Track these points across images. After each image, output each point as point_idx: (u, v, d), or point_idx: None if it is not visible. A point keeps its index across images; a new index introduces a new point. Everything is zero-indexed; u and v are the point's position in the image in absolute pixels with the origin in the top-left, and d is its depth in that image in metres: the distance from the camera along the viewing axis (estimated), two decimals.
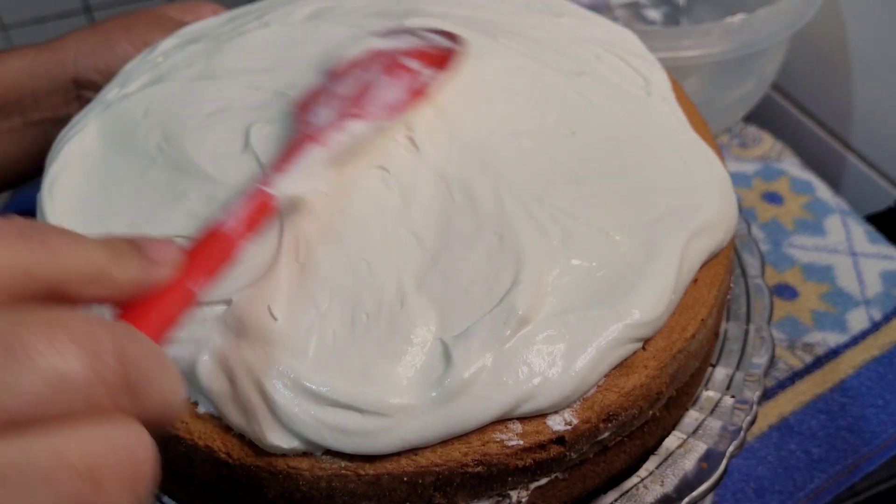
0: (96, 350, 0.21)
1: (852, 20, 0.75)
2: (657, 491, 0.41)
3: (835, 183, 0.79)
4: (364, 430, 0.33)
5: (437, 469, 0.34)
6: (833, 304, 0.64)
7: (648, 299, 0.37)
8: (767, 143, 0.79)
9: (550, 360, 0.35)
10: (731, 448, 0.42)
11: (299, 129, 0.40)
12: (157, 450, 0.25)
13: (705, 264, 0.41)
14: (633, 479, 0.41)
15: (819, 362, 0.60)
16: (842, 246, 0.68)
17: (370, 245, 0.39)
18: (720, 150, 0.47)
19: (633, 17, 0.85)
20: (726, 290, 0.44)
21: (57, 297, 0.23)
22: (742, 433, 0.42)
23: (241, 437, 0.35)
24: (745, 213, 0.59)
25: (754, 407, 0.44)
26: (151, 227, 0.40)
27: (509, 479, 0.36)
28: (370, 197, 0.40)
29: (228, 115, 0.45)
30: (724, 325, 0.49)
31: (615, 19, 0.63)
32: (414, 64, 0.43)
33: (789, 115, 0.85)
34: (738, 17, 0.67)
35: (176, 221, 0.40)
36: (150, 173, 0.43)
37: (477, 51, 0.48)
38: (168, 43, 0.53)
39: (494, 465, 0.35)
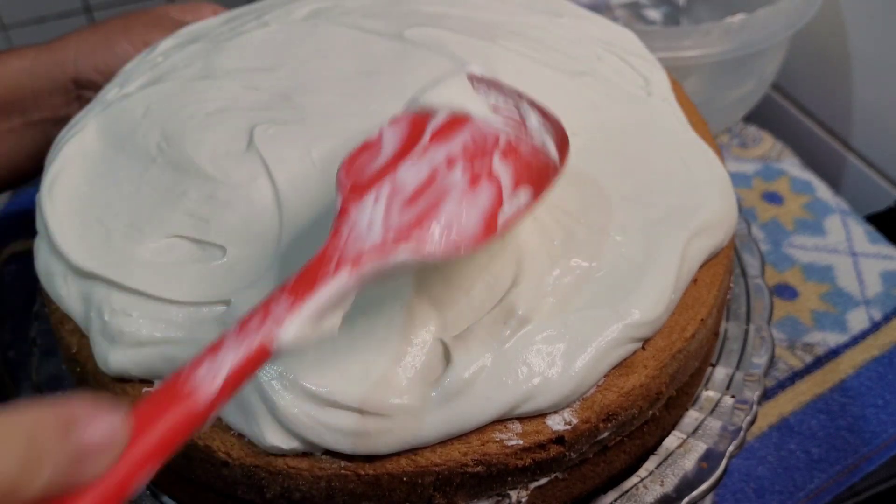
0: None
1: (852, 20, 0.75)
2: (657, 491, 0.41)
3: (835, 183, 0.79)
4: (364, 430, 0.33)
5: (436, 469, 0.34)
6: (833, 304, 0.64)
7: (648, 299, 0.37)
8: (767, 143, 0.79)
9: (550, 360, 0.35)
10: (731, 448, 0.42)
11: (337, 230, 0.30)
12: None
13: (705, 264, 0.41)
14: (633, 479, 0.41)
15: (819, 362, 0.60)
16: (842, 246, 0.68)
17: None
18: (720, 150, 0.47)
19: (633, 17, 0.85)
20: (726, 290, 0.44)
21: None
22: (742, 433, 0.42)
23: (241, 437, 0.35)
24: (745, 213, 0.59)
25: (754, 407, 0.44)
26: (150, 227, 0.40)
27: (509, 479, 0.36)
28: None
29: (228, 114, 0.45)
30: (724, 325, 0.49)
31: (615, 19, 0.63)
32: (504, 172, 0.33)
33: (789, 115, 0.85)
34: (738, 17, 0.67)
35: (175, 221, 0.40)
36: (150, 173, 0.43)
37: (478, 54, 0.48)
38: (168, 43, 0.53)
39: (494, 465, 0.35)
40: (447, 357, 0.35)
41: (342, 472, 0.34)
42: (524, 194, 0.33)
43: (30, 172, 0.57)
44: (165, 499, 0.41)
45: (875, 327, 0.62)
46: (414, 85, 0.46)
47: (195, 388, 0.24)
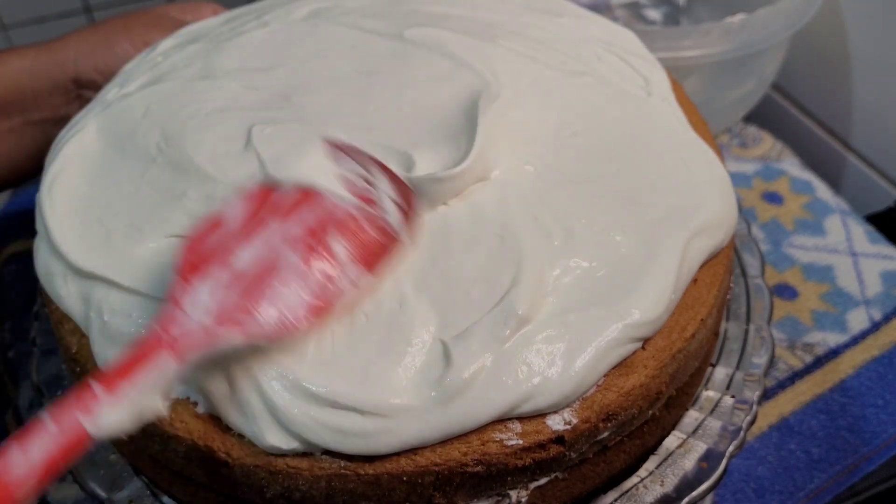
0: None
1: (852, 20, 0.75)
2: (657, 491, 0.41)
3: (835, 183, 0.79)
4: (364, 430, 0.33)
5: (436, 469, 0.34)
6: (833, 304, 0.64)
7: (648, 299, 0.37)
8: (767, 143, 0.79)
9: (550, 360, 0.35)
10: (731, 448, 0.42)
11: (164, 316, 0.31)
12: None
13: (705, 264, 0.41)
14: (633, 479, 0.41)
15: (819, 362, 0.60)
16: (842, 246, 0.68)
17: None
18: (720, 150, 0.47)
19: (633, 17, 0.85)
20: (726, 290, 0.44)
21: None
22: (742, 433, 0.42)
23: (241, 437, 0.35)
24: (745, 213, 0.59)
25: (754, 407, 0.44)
26: (150, 227, 0.40)
27: (509, 478, 0.36)
28: None
29: (227, 114, 0.45)
30: (724, 325, 0.49)
31: (615, 19, 0.63)
32: (340, 249, 0.34)
33: (789, 115, 0.85)
34: (738, 17, 0.67)
35: (175, 221, 0.40)
36: (150, 173, 0.43)
37: (478, 54, 0.48)
38: (167, 43, 0.53)
39: (494, 465, 0.35)
40: (447, 357, 0.35)
41: (342, 471, 0.34)
42: (359, 271, 0.34)
43: (30, 172, 0.57)
44: (165, 499, 0.41)
45: (875, 327, 0.62)
46: (413, 84, 0.46)
47: (7, 475, 0.24)
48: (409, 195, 0.36)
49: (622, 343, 0.36)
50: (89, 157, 0.45)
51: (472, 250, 0.38)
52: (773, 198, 0.73)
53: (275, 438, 0.34)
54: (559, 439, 0.35)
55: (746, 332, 0.49)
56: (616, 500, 0.41)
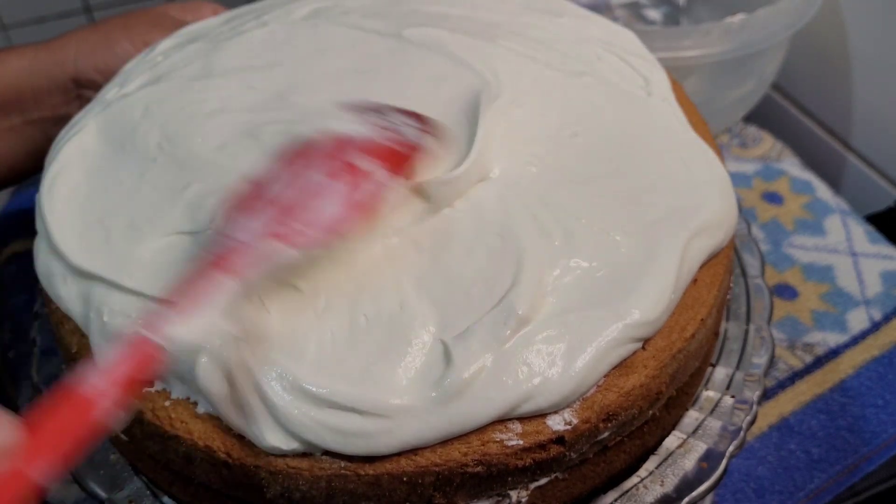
0: None
1: (852, 20, 0.75)
2: (657, 491, 0.41)
3: (835, 183, 0.79)
4: (364, 431, 0.33)
5: (436, 469, 0.34)
6: (833, 304, 0.64)
7: (648, 299, 0.37)
8: (767, 143, 0.79)
9: (550, 360, 0.35)
10: (731, 448, 0.42)
11: (214, 246, 0.34)
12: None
13: (705, 264, 0.41)
14: (633, 479, 0.41)
15: (819, 362, 0.60)
16: (842, 246, 0.68)
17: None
18: (720, 150, 0.47)
19: (633, 17, 0.85)
20: (726, 290, 0.44)
21: None
22: (742, 433, 0.42)
23: (241, 437, 0.35)
24: (745, 213, 0.59)
25: (754, 407, 0.44)
26: (150, 227, 0.40)
27: (509, 479, 0.36)
28: None
29: (227, 114, 0.45)
30: (724, 325, 0.49)
31: (615, 19, 0.63)
32: (368, 164, 0.36)
33: (789, 115, 0.85)
34: (738, 17, 0.67)
35: (175, 220, 0.40)
36: (150, 173, 0.43)
37: (478, 54, 0.48)
38: (167, 43, 0.53)
39: (494, 465, 0.35)
40: (447, 357, 0.35)
41: (342, 472, 0.34)
42: (390, 176, 0.37)
43: (29, 171, 0.57)
44: (165, 499, 0.41)
45: (875, 327, 0.62)
46: (412, 84, 0.46)
47: (88, 390, 0.26)
48: (424, 119, 0.39)
49: (622, 343, 0.36)
50: (89, 156, 0.45)
51: (472, 250, 0.38)
52: (773, 198, 0.73)
53: (275, 439, 0.34)
54: (559, 439, 0.35)
55: (746, 332, 0.49)
56: (616, 500, 0.41)
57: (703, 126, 0.49)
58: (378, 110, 0.40)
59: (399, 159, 0.37)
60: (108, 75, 0.53)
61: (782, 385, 0.59)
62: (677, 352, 0.38)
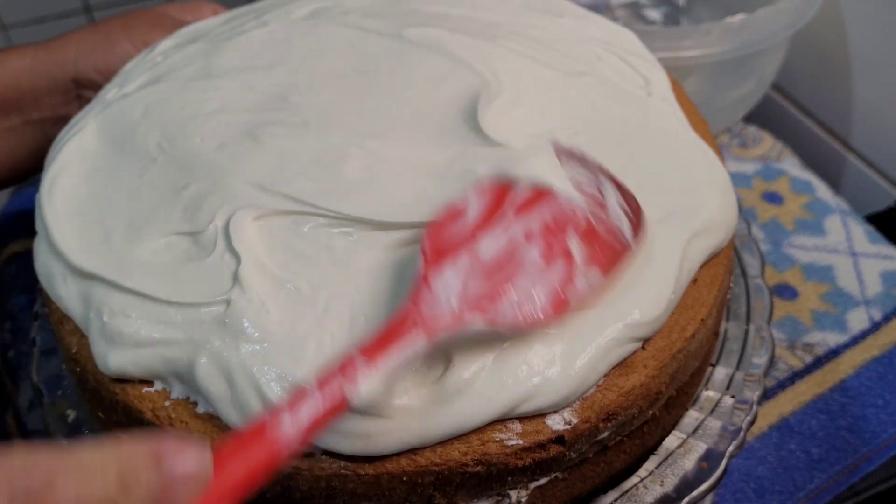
0: None
1: (852, 20, 0.75)
2: (657, 491, 0.41)
3: (835, 183, 0.79)
4: (364, 431, 0.33)
5: (436, 469, 0.34)
6: (833, 304, 0.64)
7: (648, 299, 0.37)
8: (767, 143, 0.79)
9: (550, 360, 0.35)
10: (730, 448, 0.42)
11: (416, 296, 0.32)
12: None
13: (705, 264, 0.41)
14: (633, 479, 0.41)
15: (819, 362, 0.60)
16: (842, 246, 0.68)
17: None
18: (720, 150, 0.47)
19: (633, 17, 0.85)
20: (726, 289, 0.44)
21: None
22: (742, 433, 0.42)
23: None
24: (745, 213, 0.59)
25: (754, 407, 0.44)
26: (150, 227, 0.40)
27: (509, 478, 0.36)
28: None
29: (227, 114, 0.45)
30: (724, 325, 0.49)
31: (615, 19, 0.63)
32: (577, 251, 0.34)
33: (789, 115, 0.85)
34: (738, 17, 0.67)
35: (174, 220, 0.40)
36: (150, 173, 0.43)
37: (478, 54, 0.48)
38: (167, 43, 0.53)
39: (494, 465, 0.35)
40: (447, 357, 0.34)
41: (342, 471, 0.34)
42: (595, 274, 0.35)
43: (29, 171, 0.57)
44: None
45: (875, 327, 0.62)
46: (412, 84, 0.46)
47: (277, 433, 0.27)
48: (636, 204, 0.37)
49: (622, 343, 0.36)
50: (89, 157, 0.45)
51: None
52: (773, 198, 0.73)
53: None
54: (559, 439, 0.35)
55: (746, 332, 0.49)
56: (616, 500, 0.41)
57: (703, 126, 0.49)
58: (588, 168, 0.38)
59: (608, 257, 0.35)
60: (107, 75, 0.53)
61: (782, 385, 0.59)
62: (677, 352, 0.38)
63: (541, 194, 0.36)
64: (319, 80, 0.47)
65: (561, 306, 0.34)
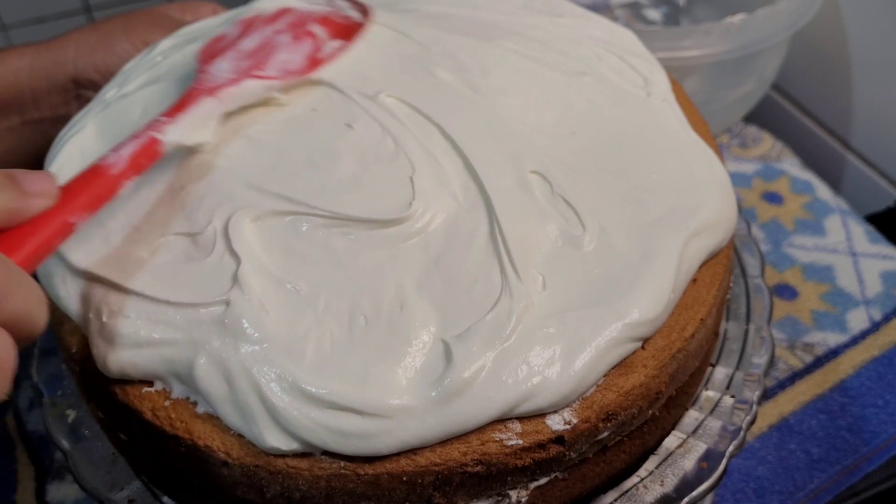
0: None
1: (852, 20, 0.75)
2: (657, 491, 0.41)
3: (835, 183, 0.79)
4: (364, 431, 0.33)
5: (436, 469, 0.34)
6: (833, 304, 0.64)
7: (648, 299, 0.37)
8: (767, 143, 0.79)
9: (550, 360, 0.35)
10: (730, 448, 0.42)
11: (198, 79, 0.43)
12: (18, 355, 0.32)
13: (705, 264, 0.41)
14: (633, 479, 0.41)
15: (819, 362, 0.60)
16: (842, 246, 0.68)
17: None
18: (720, 150, 0.47)
19: (633, 17, 0.85)
20: (726, 289, 0.44)
21: None
22: (742, 433, 0.42)
23: (241, 437, 0.35)
24: (745, 213, 0.59)
25: (754, 407, 0.44)
26: (149, 227, 0.40)
27: (509, 478, 0.36)
28: None
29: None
30: (723, 325, 0.49)
31: (615, 19, 0.63)
32: (319, 31, 0.46)
33: (789, 115, 0.85)
34: (738, 17, 0.67)
35: (173, 220, 0.40)
36: (149, 173, 0.43)
37: (477, 54, 0.48)
38: (167, 43, 0.53)
39: (494, 465, 0.35)
40: (448, 357, 0.34)
41: (342, 471, 0.34)
42: (338, 42, 0.46)
43: None
44: (165, 499, 0.41)
45: (875, 327, 0.62)
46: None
47: (106, 168, 0.35)
48: (364, 6, 0.49)
49: (622, 342, 0.36)
50: (88, 156, 0.45)
51: (472, 248, 0.38)
52: (773, 198, 0.73)
53: (274, 440, 0.34)
54: (559, 439, 0.35)
55: (746, 332, 0.49)
56: (616, 500, 0.41)
57: (703, 126, 0.49)
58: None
59: (345, 30, 0.47)
60: (107, 75, 0.53)
61: (782, 385, 0.59)
62: (677, 351, 0.38)
63: (282, 11, 0.48)
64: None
65: (317, 63, 0.45)
